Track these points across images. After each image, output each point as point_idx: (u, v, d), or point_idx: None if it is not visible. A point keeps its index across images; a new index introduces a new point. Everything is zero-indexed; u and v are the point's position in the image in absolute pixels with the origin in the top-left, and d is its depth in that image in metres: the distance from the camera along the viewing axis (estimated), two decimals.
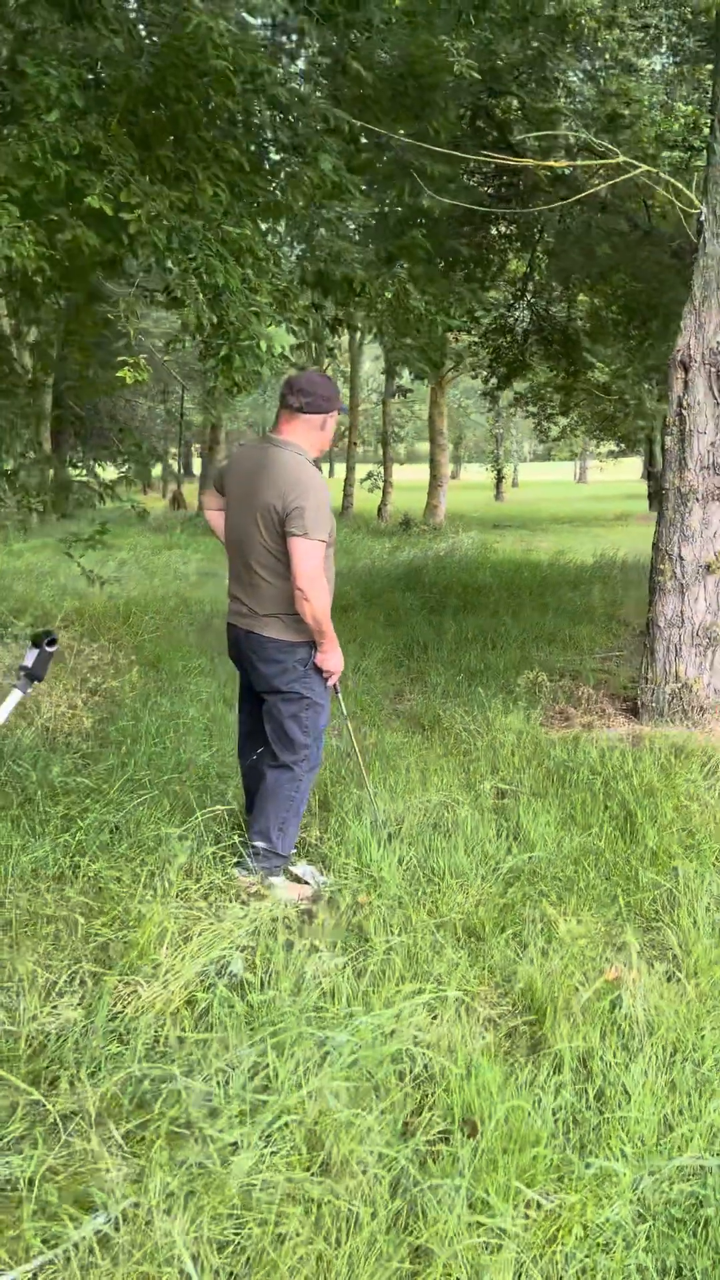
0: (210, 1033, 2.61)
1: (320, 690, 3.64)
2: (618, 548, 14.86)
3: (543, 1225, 2.05)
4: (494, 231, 11.41)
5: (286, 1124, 2.22)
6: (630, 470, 61.22)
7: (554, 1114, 2.39)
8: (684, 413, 5.42)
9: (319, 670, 3.63)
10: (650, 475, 28.36)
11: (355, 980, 2.90)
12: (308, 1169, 2.13)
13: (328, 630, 3.53)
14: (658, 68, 6.40)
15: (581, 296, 12.24)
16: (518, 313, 11.77)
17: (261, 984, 2.91)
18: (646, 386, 17.93)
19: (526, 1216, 2.08)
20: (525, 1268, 1.96)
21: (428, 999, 2.78)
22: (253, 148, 4.77)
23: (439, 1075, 2.49)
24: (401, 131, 5.29)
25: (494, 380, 12.73)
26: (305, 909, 3.50)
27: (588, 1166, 2.20)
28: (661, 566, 5.62)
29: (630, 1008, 2.79)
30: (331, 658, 3.63)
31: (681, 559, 5.53)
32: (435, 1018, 2.80)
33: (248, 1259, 1.95)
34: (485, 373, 12.87)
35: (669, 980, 3.04)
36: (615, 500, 37.62)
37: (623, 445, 31.60)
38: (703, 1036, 2.71)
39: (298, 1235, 1.95)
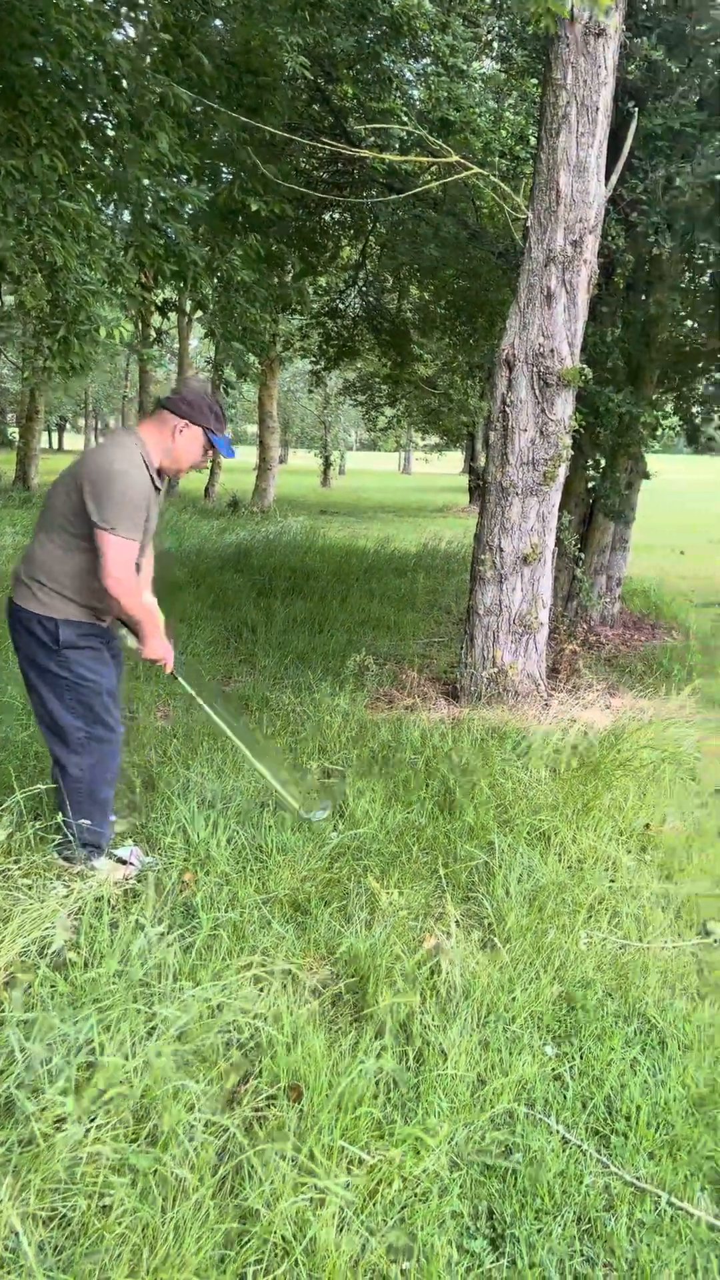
0: (33, 1012, 2.56)
1: (91, 669, 3.41)
2: (440, 538, 15.31)
3: (364, 1180, 2.14)
4: (328, 217, 11.49)
5: (113, 1098, 2.21)
6: (452, 464, 63.08)
7: (376, 1076, 2.49)
8: (507, 410, 5.66)
9: (86, 647, 3.41)
10: (472, 469, 29.30)
11: (183, 956, 2.92)
12: (135, 1140, 2.14)
13: (144, 619, 3.43)
14: (488, 73, 6.62)
15: (413, 290, 12.50)
16: (349, 299, 11.91)
17: (86, 963, 2.88)
18: (470, 383, 18.49)
19: (350, 1173, 2.16)
20: (348, 1220, 2.04)
21: (255, 972, 2.83)
22: (89, 118, 4.61)
23: (266, 1044, 2.54)
24: (235, 121, 5.24)
25: (322, 363, 12.81)
26: (130, 889, 3.47)
27: (407, 1122, 2.31)
28: (482, 557, 5.86)
29: (448, 974, 2.93)
30: (150, 646, 3.55)
31: (501, 550, 5.79)
32: (262, 990, 2.86)
33: (71, 1232, 1.95)
34: (314, 355, 12.95)
35: (484, 947, 3.21)
36: (438, 492, 38.65)
37: (446, 439, 32.50)
38: (514, 998, 2.88)
39: (124, 1205, 1.96)
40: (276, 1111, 2.30)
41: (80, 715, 3.42)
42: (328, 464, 41.37)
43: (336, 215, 11.70)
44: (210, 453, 3.50)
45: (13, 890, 3.18)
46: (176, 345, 27.18)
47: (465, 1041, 2.64)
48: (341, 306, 12.11)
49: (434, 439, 34.14)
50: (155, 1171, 2.05)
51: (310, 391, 28.94)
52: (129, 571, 3.26)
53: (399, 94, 5.99)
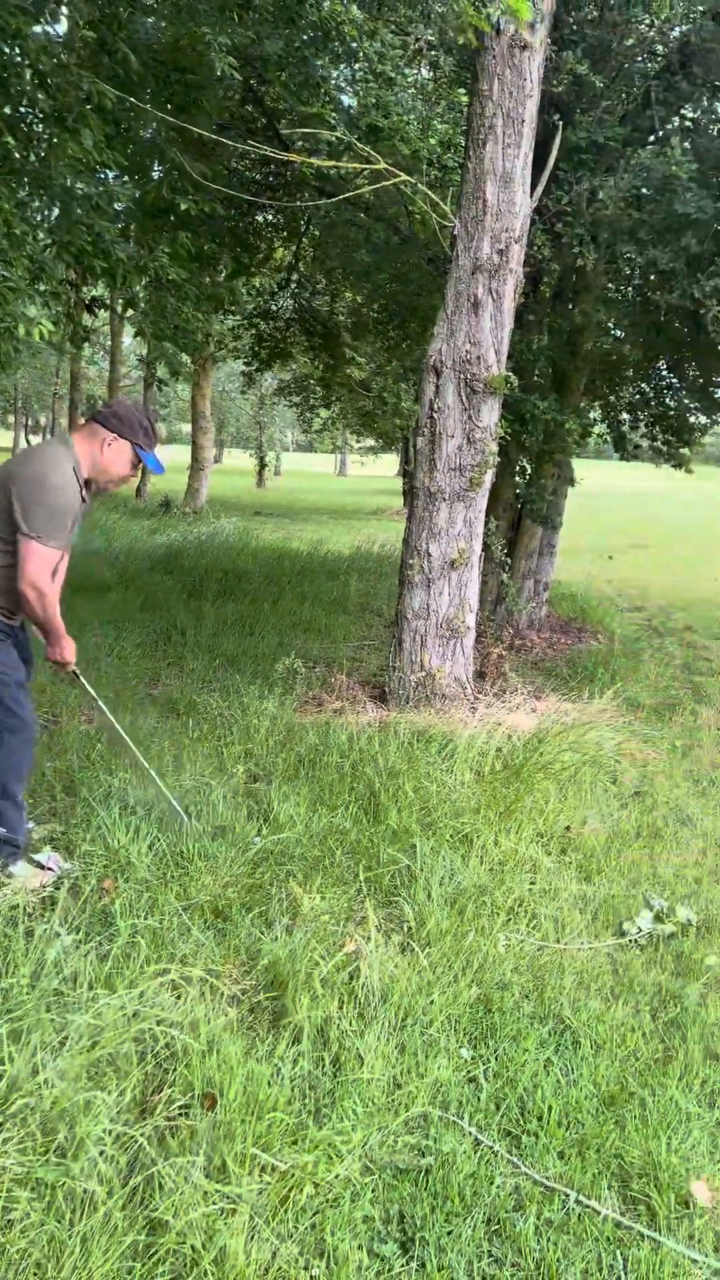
0: None
1: (1, 662, 3.41)
2: (374, 540, 15.37)
3: (276, 1187, 2.14)
4: (260, 218, 11.45)
5: (20, 1110, 2.18)
6: (388, 466, 63.34)
7: (291, 1082, 2.49)
8: (435, 415, 5.70)
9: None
10: (405, 473, 29.46)
11: (99, 964, 2.88)
12: (44, 1153, 2.11)
13: (56, 626, 3.45)
14: (418, 81, 6.65)
15: (346, 293, 12.52)
16: (282, 301, 11.88)
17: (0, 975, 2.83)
18: (403, 386, 18.59)
19: (262, 1180, 2.16)
20: (258, 1228, 2.04)
21: (173, 979, 2.81)
22: (10, 111, 4.52)
23: (181, 1053, 2.53)
24: (164, 120, 5.20)
25: (254, 364, 12.77)
26: (47, 895, 3.42)
27: (321, 1128, 2.31)
28: (411, 561, 5.90)
29: (367, 978, 2.94)
30: (58, 651, 3.57)
31: (429, 554, 5.83)
32: (180, 997, 2.84)
33: None
34: (246, 356, 12.90)
35: (404, 951, 3.23)
36: (372, 495, 38.79)
37: (381, 441, 32.61)
38: (432, 1002, 2.91)
39: (28, 1218, 1.93)
40: (189, 1121, 2.29)
41: None
42: (263, 465, 41.23)
43: (270, 216, 11.68)
44: (138, 467, 3.55)
45: None
46: (109, 342, 26.86)
47: (382, 1046, 2.65)
48: (274, 308, 12.08)
49: (369, 441, 34.23)
50: (63, 1184, 2.02)
51: (243, 392, 28.83)
52: (48, 578, 3.29)
53: (328, 99, 6.00)
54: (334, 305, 12.73)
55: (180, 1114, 2.33)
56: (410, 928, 3.37)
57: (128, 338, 27.37)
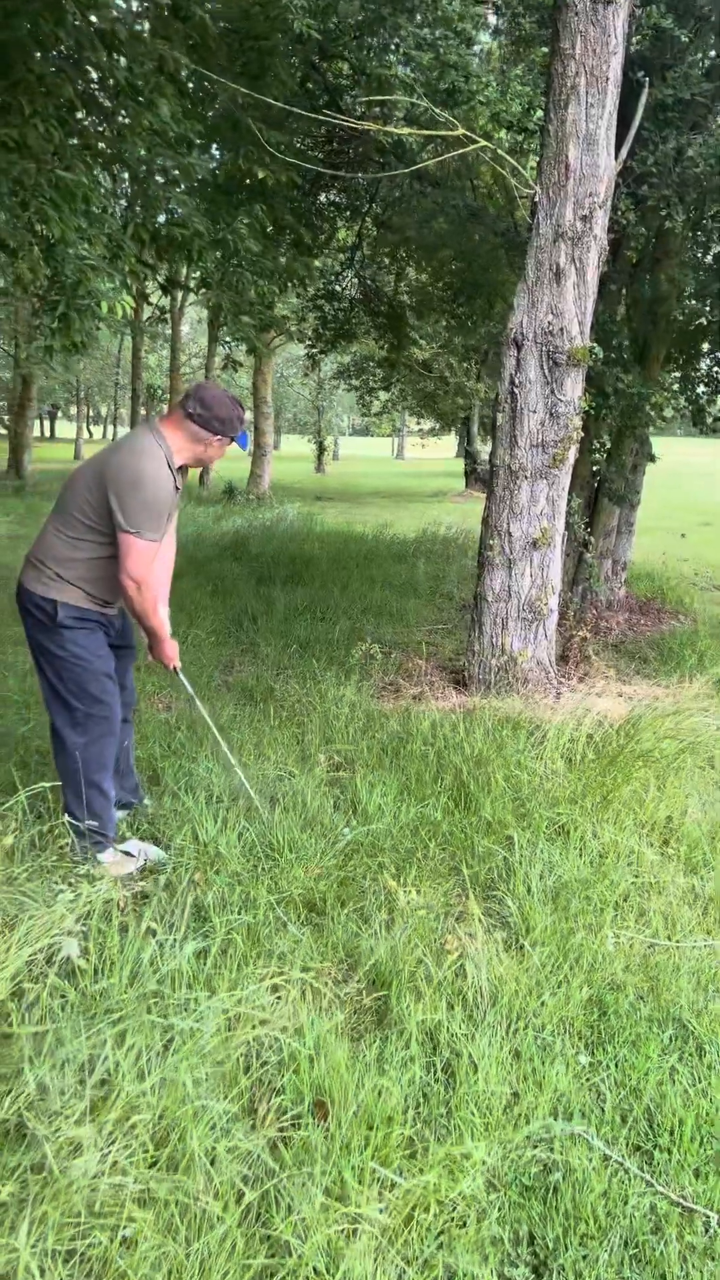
0: (42, 1025, 2.43)
1: (86, 648, 3.41)
2: (439, 523, 15.16)
3: (399, 1205, 2.02)
4: (323, 199, 11.28)
5: (130, 1120, 2.09)
6: (446, 449, 62.85)
7: (404, 1091, 2.37)
8: (516, 390, 5.51)
9: (80, 627, 3.40)
10: (468, 454, 29.10)
11: (196, 962, 2.79)
12: (154, 1166, 2.02)
13: (155, 626, 3.47)
14: (495, 41, 6.39)
15: (410, 271, 12.30)
16: (345, 281, 11.71)
17: (96, 971, 2.75)
18: (467, 365, 18.30)
19: (382, 1198, 2.04)
20: (384, 1250, 1.92)
21: (273, 981, 2.70)
22: (85, 87, 4.42)
23: (288, 1059, 2.42)
24: (239, 90, 5.06)
25: (319, 346, 12.61)
26: (140, 890, 3.35)
27: (440, 1141, 2.19)
28: (491, 542, 5.72)
29: (474, 979, 2.81)
30: (159, 650, 3.59)
31: (510, 534, 5.65)
32: (280, 998, 2.74)
33: (91, 1270, 1.82)
34: (310, 338, 12.73)
35: (508, 948, 3.09)
36: (432, 477, 38.46)
37: (441, 423, 32.26)
38: (543, 1003, 2.76)
39: (146, 1239, 1.84)
40: (302, 1132, 2.18)
41: (76, 694, 3.42)
42: (321, 449, 41.12)
43: (332, 196, 11.51)
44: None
45: (18, 895, 3.05)
46: (169, 331, 26.93)
47: (496, 1052, 2.52)
48: (338, 289, 11.91)
49: (428, 424, 33.92)
50: (178, 1201, 1.93)
51: (307, 375, 28.73)
52: (148, 571, 3.29)
53: (406, 59, 5.77)
54: (398, 284, 12.52)
55: (292, 1124, 2.22)
56: (513, 924, 3.23)
57: (186, 325, 27.40)
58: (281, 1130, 2.20)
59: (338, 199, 11.43)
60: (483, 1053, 2.51)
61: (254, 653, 6.81)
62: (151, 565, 3.31)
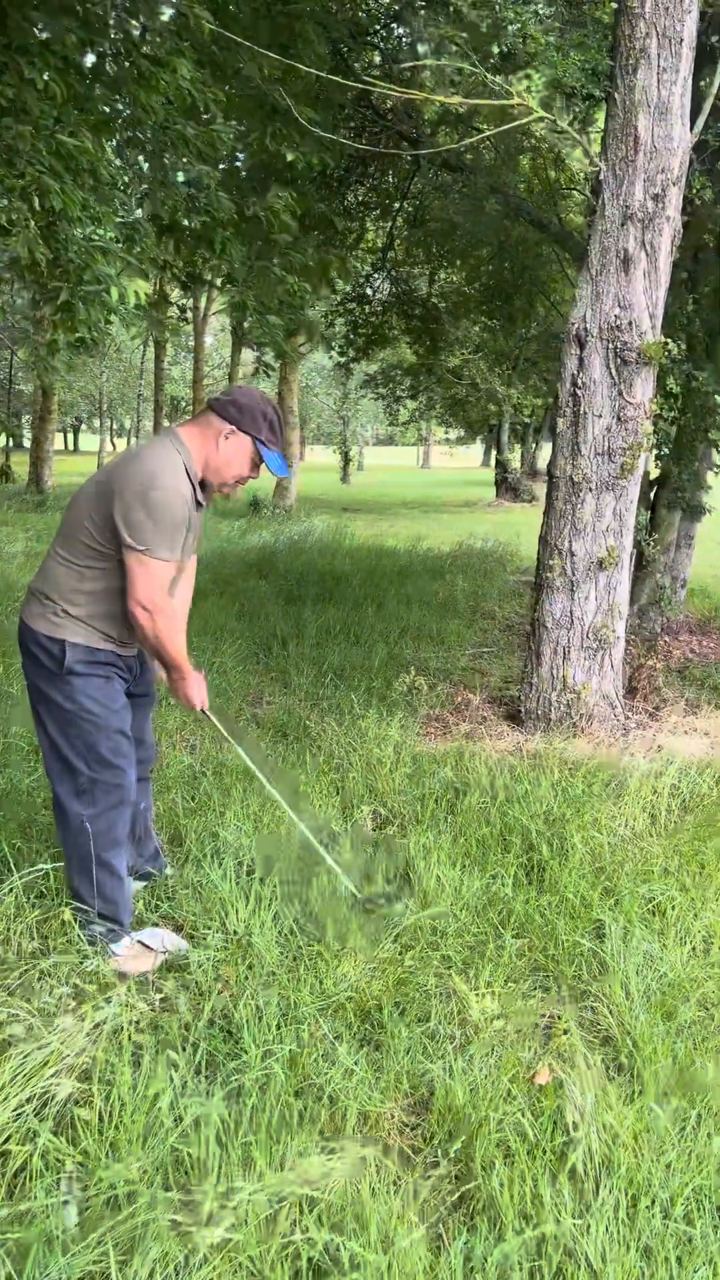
0: (26, 1225, 1.86)
1: (99, 700, 2.82)
2: (472, 534, 14.56)
3: None
4: (350, 198, 10.75)
5: None
6: (472, 458, 62.25)
7: None
8: (578, 392, 4.91)
9: (93, 675, 2.82)
10: (499, 462, 28.47)
11: (222, 1104, 2.21)
12: None
13: (173, 656, 2.86)
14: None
15: (442, 273, 11.74)
16: (377, 283, 11.16)
17: (101, 1121, 2.19)
18: (498, 370, 17.71)
19: None
20: None
21: (326, 1144, 2.12)
22: (95, 47, 3.89)
23: (349, 1264, 1.84)
24: (266, 57, 4.53)
25: (350, 352, 12.03)
26: (162, 997, 2.77)
27: None
28: (550, 562, 5.12)
29: (578, 1134, 2.20)
30: (181, 690, 2.98)
31: (572, 553, 5.05)
32: (332, 1153, 2.15)
33: None
34: (340, 344, 12.17)
35: (611, 1075, 2.49)
36: (460, 486, 37.83)
37: (468, 431, 31.66)
38: (669, 1166, 2.15)
39: None
40: None
41: (83, 755, 2.82)
42: (347, 460, 40.64)
43: (360, 196, 10.98)
44: (259, 467, 2.91)
45: (13, 1008, 2.48)
46: (192, 342, 26.55)
47: (619, 1252, 1.92)
48: (369, 292, 11.36)
49: (456, 432, 33.36)
50: None
51: (340, 383, 28.24)
52: (161, 597, 2.72)
53: (457, 17, 5.20)
54: (431, 286, 11.95)
55: None
56: (614, 1039, 2.63)
57: (210, 337, 27.05)
58: None
59: (366, 198, 10.90)
60: (599, 1249, 1.92)
61: (284, 681, 6.25)
62: (166, 589, 2.75)
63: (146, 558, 2.66)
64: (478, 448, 53.48)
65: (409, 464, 70.22)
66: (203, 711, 3.06)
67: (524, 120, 4.72)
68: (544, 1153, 2.16)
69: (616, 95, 4.70)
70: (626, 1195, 2.07)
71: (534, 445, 34.55)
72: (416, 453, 71.82)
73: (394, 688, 5.68)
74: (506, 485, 27.27)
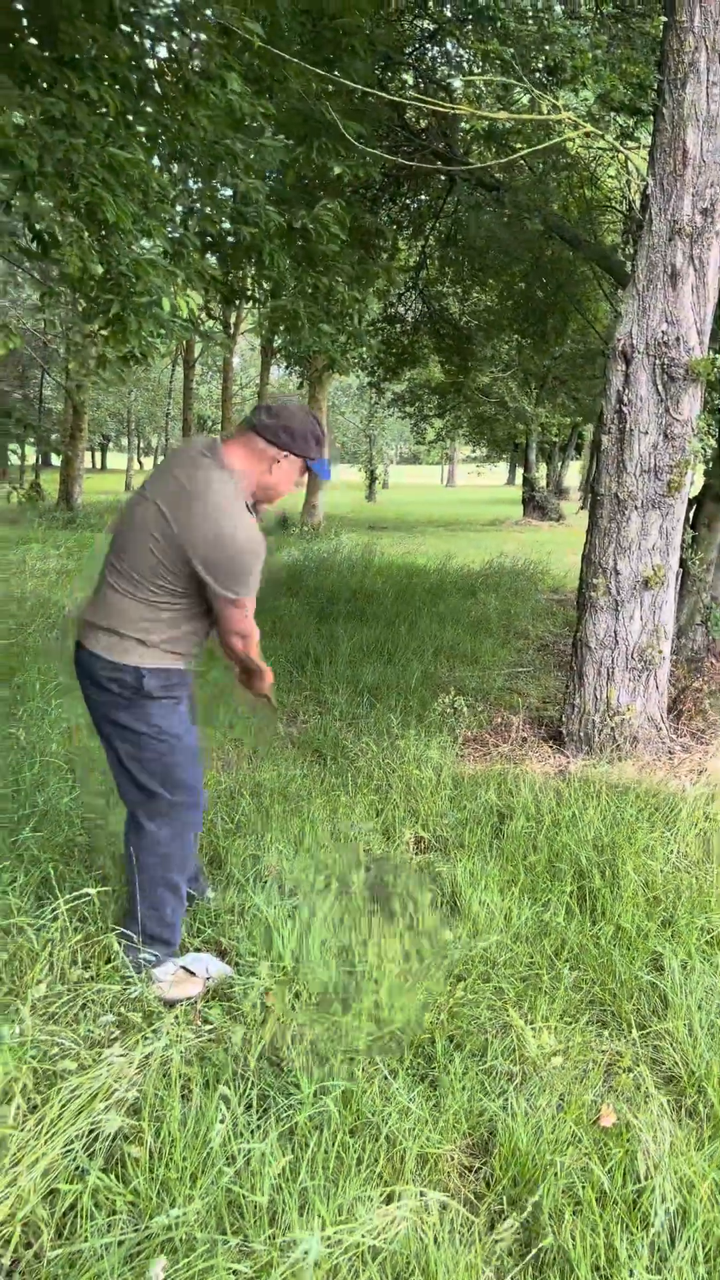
0: (79, 1270, 1.78)
1: (167, 721, 2.81)
2: (501, 553, 14.46)
3: None
4: (384, 215, 10.75)
5: None
6: (497, 476, 62.17)
7: None
8: (624, 409, 4.83)
9: (168, 698, 2.82)
10: (526, 480, 28.39)
11: (277, 1147, 2.12)
12: None
13: (258, 663, 3.08)
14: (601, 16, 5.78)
15: (475, 293, 11.70)
16: (409, 303, 11.13)
17: (151, 1158, 2.10)
18: (527, 389, 17.65)
19: None
20: None
21: (385, 1181, 2.03)
22: (143, 62, 3.87)
23: None
24: (313, 72, 4.51)
25: (380, 371, 12.00)
26: (211, 1029, 2.68)
27: None
28: (594, 581, 5.03)
29: (651, 1183, 2.10)
30: (263, 686, 3.22)
31: (617, 572, 4.95)
32: (391, 1198, 2.06)
33: None
34: (371, 363, 12.14)
35: (677, 1118, 2.38)
36: (486, 505, 37.76)
37: (494, 450, 31.60)
38: None
39: None
40: None
41: (161, 778, 2.83)
42: (373, 478, 40.70)
43: (392, 214, 10.99)
44: (305, 474, 2.93)
45: (55, 1044, 2.40)
46: (220, 361, 26.69)
47: None
48: (401, 311, 11.34)
49: (482, 450, 33.33)
50: None
51: (368, 402, 28.27)
52: (251, 624, 2.89)
53: (502, 30, 5.15)
54: (463, 306, 11.92)
55: None
56: (679, 1077, 2.52)
57: (238, 358, 27.16)
58: None
59: (397, 217, 10.91)
60: None
61: (319, 700, 6.17)
62: (252, 618, 2.89)
63: (241, 597, 2.72)
64: (502, 466, 53.42)
65: (433, 482, 70.30)
66: (268, 698, 3.27)
67: (567, 136, 4.66)
68: (615, 1202, 2.06)
69: (665, 109, 4.64)
70: (704, 1245, 1.97)
71: (560, 464, 34.49)
72: (441, 470, 71.90)
73: (431, 708, 5.59)
74: (534, 504, 27.17)
